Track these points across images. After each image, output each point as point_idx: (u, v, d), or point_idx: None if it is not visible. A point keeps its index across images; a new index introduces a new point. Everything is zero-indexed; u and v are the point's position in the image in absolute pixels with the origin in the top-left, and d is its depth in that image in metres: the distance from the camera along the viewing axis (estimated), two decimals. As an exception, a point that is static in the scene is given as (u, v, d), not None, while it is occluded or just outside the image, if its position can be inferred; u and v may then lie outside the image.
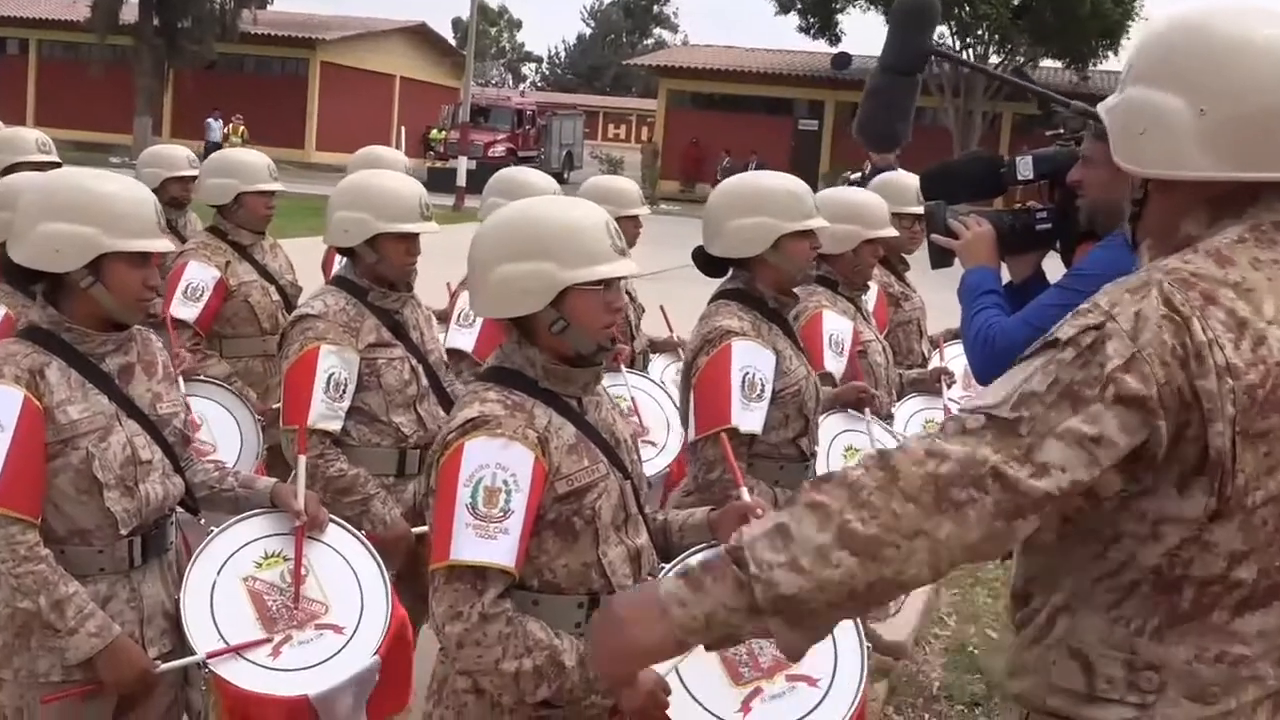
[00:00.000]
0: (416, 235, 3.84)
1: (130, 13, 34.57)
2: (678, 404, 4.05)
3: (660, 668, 2.56)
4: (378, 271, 3.82)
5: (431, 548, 2.48)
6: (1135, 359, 1.55)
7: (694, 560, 1.62)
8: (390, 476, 3.81)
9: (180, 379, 3.68)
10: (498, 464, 2.43)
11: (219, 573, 3.04)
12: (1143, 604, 1.67)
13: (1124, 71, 1.79)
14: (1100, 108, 1.82)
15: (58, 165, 4.93)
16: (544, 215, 2.57)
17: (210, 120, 33.79)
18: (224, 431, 4.58)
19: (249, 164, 5.23)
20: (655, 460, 4.66)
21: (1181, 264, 1.65)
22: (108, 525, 2.86)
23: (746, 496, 2.87)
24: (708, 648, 1.71)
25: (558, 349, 2.57)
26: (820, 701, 2.69)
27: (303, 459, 3.24)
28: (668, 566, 2.78)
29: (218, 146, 30.56)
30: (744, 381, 3.45)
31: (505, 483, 2.42)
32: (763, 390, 3.49)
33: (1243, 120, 1.64)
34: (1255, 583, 1.64)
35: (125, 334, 2.94)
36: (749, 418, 3.45)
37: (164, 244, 2.88)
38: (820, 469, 3.85)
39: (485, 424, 2.45)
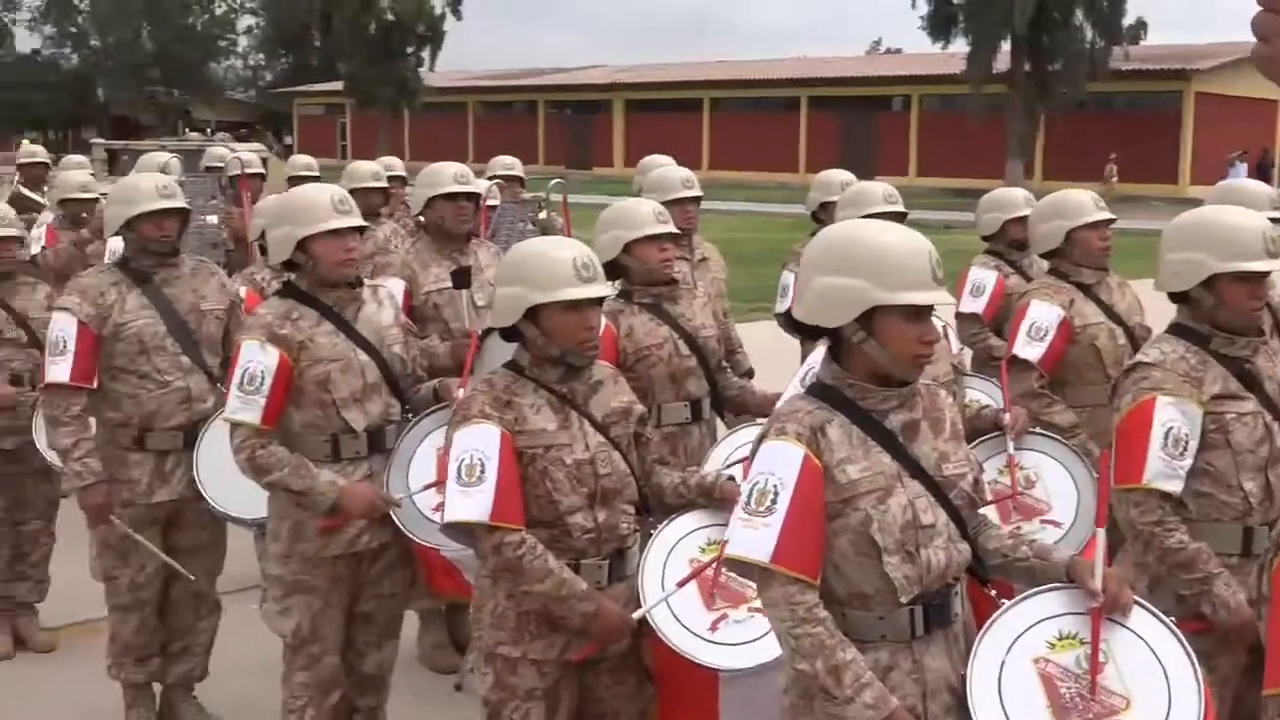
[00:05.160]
0: (1262, 275, 3.51)
1: (1003, 61, 35.62)
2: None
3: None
4: (1216, 317, 3.51)
5: None
6: None
7: None
8: (1234, 556, 3.42)
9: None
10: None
11: (1009, 650, 2.80)
12: None
13: None
14: None
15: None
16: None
17: (1235, 161, 32.50)
18: (1059, 491, 4.28)
19: (1078, 203, 5.06)
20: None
21: None
22: (887, 591, 2.73)
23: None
24: None
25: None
26: None
27: (1101, 532, 2.89)
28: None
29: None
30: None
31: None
32: None
33: None
34: None
35: (909, 390, 2.81)
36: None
37: (939, 296, 2.71)
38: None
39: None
